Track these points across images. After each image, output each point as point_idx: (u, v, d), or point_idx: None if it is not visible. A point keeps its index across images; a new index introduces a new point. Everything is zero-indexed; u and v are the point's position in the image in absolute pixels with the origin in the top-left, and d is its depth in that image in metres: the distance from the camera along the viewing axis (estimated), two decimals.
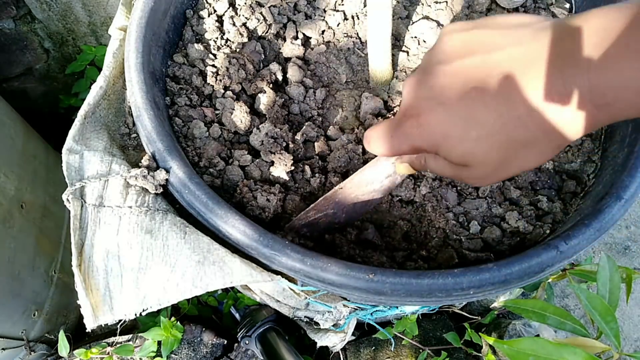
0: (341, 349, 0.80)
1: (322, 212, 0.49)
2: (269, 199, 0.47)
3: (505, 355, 0.46)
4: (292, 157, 0.52)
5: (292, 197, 0.50)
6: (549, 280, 0.69)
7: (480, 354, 0.76)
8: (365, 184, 0.47)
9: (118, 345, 0.79)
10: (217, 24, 0.61)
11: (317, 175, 0.52)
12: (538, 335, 0.83)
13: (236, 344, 0.85)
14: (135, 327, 0.90)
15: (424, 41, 0.64)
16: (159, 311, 0.84)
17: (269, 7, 0.63)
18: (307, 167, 0.52)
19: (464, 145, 0.31)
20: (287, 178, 0.51)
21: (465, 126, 0.31)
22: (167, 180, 0.45)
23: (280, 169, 0.51)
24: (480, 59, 0.31)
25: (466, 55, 0.32)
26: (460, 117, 0.31)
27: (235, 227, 0.42)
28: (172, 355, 0.83)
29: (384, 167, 0.46)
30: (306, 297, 0.53)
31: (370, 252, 0.48)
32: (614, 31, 0.25)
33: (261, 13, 0.62)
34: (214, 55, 0.59)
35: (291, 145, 0.54)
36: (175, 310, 0.90)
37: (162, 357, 0.79)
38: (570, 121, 0.28)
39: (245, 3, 0.62)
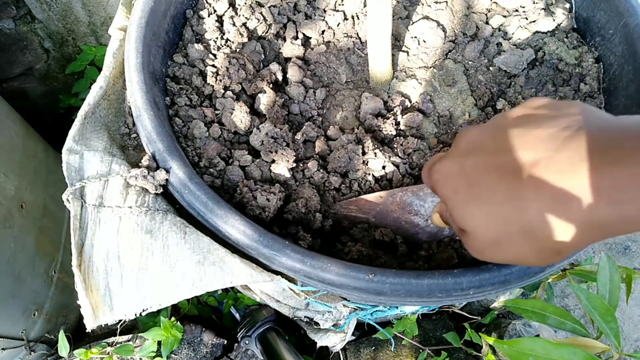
0: (341, 349, 0.80)
1: (363, 214, 0.49)
2: (268, 199, 0.47)
3: (505, 355, 0.46)
4: (294, 153, 0.52)
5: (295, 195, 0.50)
6: (549, 280, 0.69)
7: (480, 354, 0.76)
8: (409, 212, 0.47)
9: (118, 345, 0.79)
10: (217, 24, 0.61)
11: (320, 170, 0.52)
12: (538, 335, 0.83)
13: (236, 344, 0.85)
14: (135, 327, 0.90)
15: (424, 41, 0.64)
16: (159, 311, 0.84)
17: (269, 7, 0.63)
18: (310, 163, 0.52)
19: (467, 208, 0.31)
20: (289, 175, 0.51)
21: (476, 190, 0.30)
22: (167, 180, 0.45)
23: (282, 165, 0.51)
24: (521, 140, 0.30)
25: (513, 133, 0.31)
26: (476, 180, 0.31)
27: (235, 227, 0.42)
28: (172, 355, 0.83)
29: (426, 201, 0.45)
30: (306, 297, 0.53)
31: (379, 252, 0.48)
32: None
33: (261, 13, 0.62)
34: (214, 55, 0.59)
35: (291, 145, 0.54)
36: (175, 310, 0.90)
37: (162, 357, 0.79)
38: (579, 222, 0.26)
39: (245, 3, 0.62)
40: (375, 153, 0.53)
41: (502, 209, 0.29)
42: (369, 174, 0.53)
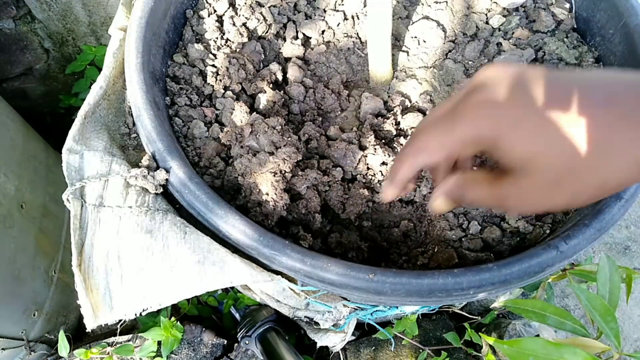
0: (341, 349, 0.80)
1: None
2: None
3: (505, 355, 0.46)
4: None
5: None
6: (549, 280, 0.69)
7: (480, 354, 0.76)
8: None
9: (118, 345, 0.79)
10: (217, 24, 0.61)
11: (319, 171, 0.52)
12: (538, 335, 0.83)
13: (236, 344, 0.85)
14: (135, 327, 0.90)
15: (424, 41, 0.64)
16: (159, 311, 0.84)
17: (269, 7, 0.63)
18: (310, 163, 0.52)
19: (535, 141, 0.28)
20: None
21: (544, 122, 0.27)
22: (167, 180, 0.45)
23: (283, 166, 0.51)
24: (588, 77, 0.28)
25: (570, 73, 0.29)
26: (543, 111, 0.27)
27: (235, 227, 0.42)
28: (172, 355, 0.83)
29: None
30: (306, 297, 0.53)
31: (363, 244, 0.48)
32: None
33: (261, 13, 0.62)
34: (214, 55, 0.59)
35: None
36: (175, 310, 0.90)
37: (162, 357, 0.79)
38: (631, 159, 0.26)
39: (245, 3, 0.62)
40: (375, 149, 0.53)
41: (573, 146, 0.27)
42: (370, 170, 0.53)
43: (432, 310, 0.81)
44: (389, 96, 0.61)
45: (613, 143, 0.26)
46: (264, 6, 0.63)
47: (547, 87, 0.28)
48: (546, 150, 0.27)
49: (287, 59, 0.63)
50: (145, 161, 0.46)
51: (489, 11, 0.65)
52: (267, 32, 0.63)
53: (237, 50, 0.60)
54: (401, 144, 0.55)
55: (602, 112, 0.26)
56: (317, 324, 0.63)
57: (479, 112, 0.29)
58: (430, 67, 0.62)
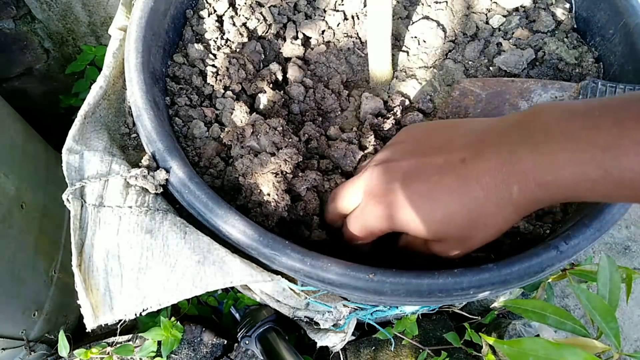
0: (341, 349, 0.80)
1: (483, 90, 0.53)
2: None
3: (505, 355, 0.46)
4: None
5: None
6: (549, 280, 0.69)
7: (480, 354, 0.76)
8: (523, 97, 0.50)
9: (118, 345, 0.80)
10: (217, 24, 0.61)
11: (319, 173, 0.52)
12: (538, 335, 0.83)
13: (236, 344, 0.85)
14: (135, 327, 0.90)
15: (424, 41, 0.64)
16: (159, 311, 0.84)
17: (269, 7, 0.63)
18: (310, 163, 0.52)
19: (432, 226, 0.35)
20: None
21: (431, 209, 0.35)
22: (167, 180, 0.45)
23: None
24: (440, 147, 0.36)
25: (429, 143, 0.37)
26: (425, 200, 0.35)
27: (235, 227, 0.42)
28: (172, 355, 0.83)
29: (548, 92, 0.49)
30: (306, 297, 0.53)
31: None
32: (553, 123, 0.30)
33: (261, 13, 0.62)
34: (214, 55, 0.59)
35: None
36: (175, 310, 0.91)
37: (162, 357, 0.79)
38: (517, 198, 0.32)
39: (245, 3, 0.62)
40: (375, 149, 0.53)
41: (461, 213, 0.34)
42: None
43: (432, 310, 0.81)
44: (389, 96, 0.61)
45: (485, 210, 0.33)
46: (264, 6, 0.63)
47: (418, 176, 0.36)
48: (441, 230, 0.35)
49: (287, 59, 0.63)
50: (145, 161, 0.46)
51: (489, 11, 0.65)
52: (267, 32, 0.63)
53: (237, 50, 0.60)
54: None
55: (468, 192, 0.33)
56: (317, 324, 0.63)
57: (378, 214, 0.38)
58: (430, 67, 0.63)
